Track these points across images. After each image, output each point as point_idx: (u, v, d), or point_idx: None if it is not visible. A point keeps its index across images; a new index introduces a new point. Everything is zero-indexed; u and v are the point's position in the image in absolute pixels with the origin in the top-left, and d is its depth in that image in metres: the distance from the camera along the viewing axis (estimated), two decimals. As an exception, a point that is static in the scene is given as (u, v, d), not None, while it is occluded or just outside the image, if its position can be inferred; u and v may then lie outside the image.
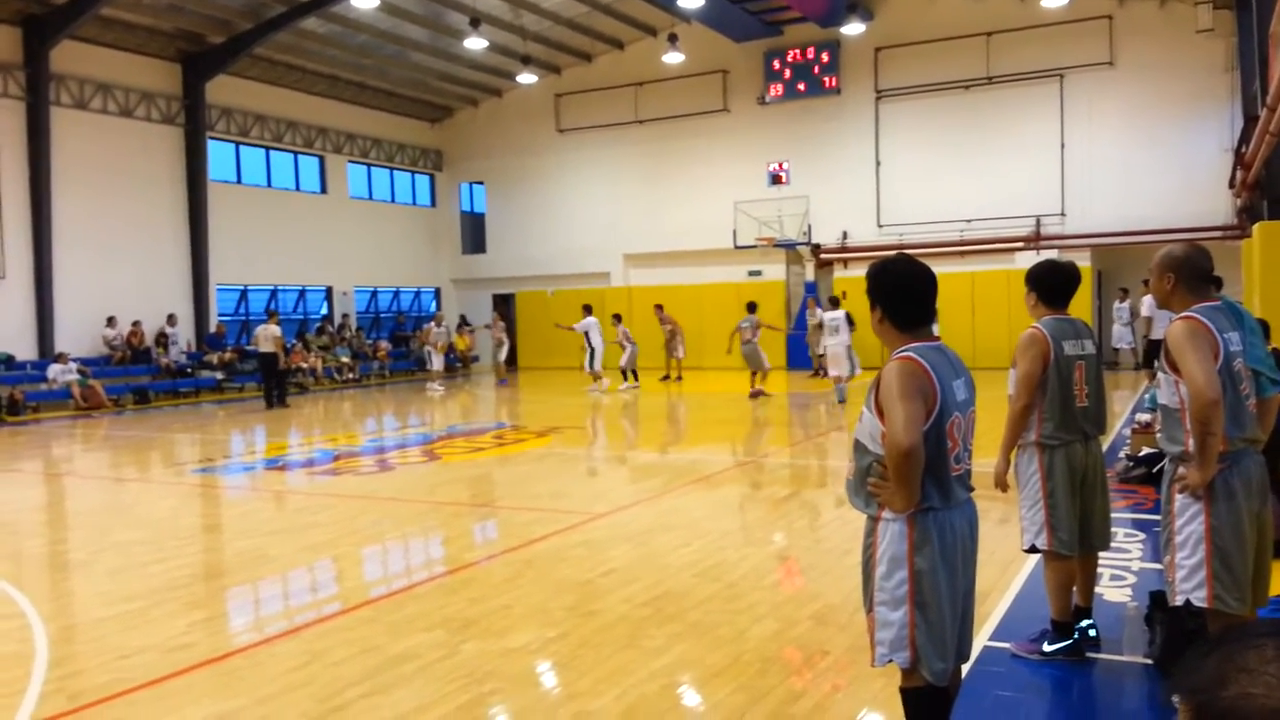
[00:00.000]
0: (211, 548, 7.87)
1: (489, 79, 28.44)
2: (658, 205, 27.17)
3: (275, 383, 19.14)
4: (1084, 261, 21.66)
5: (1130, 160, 22.29)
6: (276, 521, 8.87)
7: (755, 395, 18.11)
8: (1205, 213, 21.24)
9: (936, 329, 3.51)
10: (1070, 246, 22.64)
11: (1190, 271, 3.98)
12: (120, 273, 21.83)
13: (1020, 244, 23.14)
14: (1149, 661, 4.62)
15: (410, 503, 9.42)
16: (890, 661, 3.22)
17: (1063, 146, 23.04)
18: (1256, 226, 11.77)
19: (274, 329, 19.03)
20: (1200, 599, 3.78)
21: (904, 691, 3.31)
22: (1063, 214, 23.08)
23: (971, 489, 3.37)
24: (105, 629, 5.63)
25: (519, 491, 9.92)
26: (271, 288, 26.26)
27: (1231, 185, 17.32)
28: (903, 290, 3.32)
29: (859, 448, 3.30)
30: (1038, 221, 23.23)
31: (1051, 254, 22.55)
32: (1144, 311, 17.50)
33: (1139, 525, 7.18)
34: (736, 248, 25.23)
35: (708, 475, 10.49)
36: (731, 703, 4.35)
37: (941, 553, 3.19)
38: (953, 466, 3.21)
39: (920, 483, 3.11)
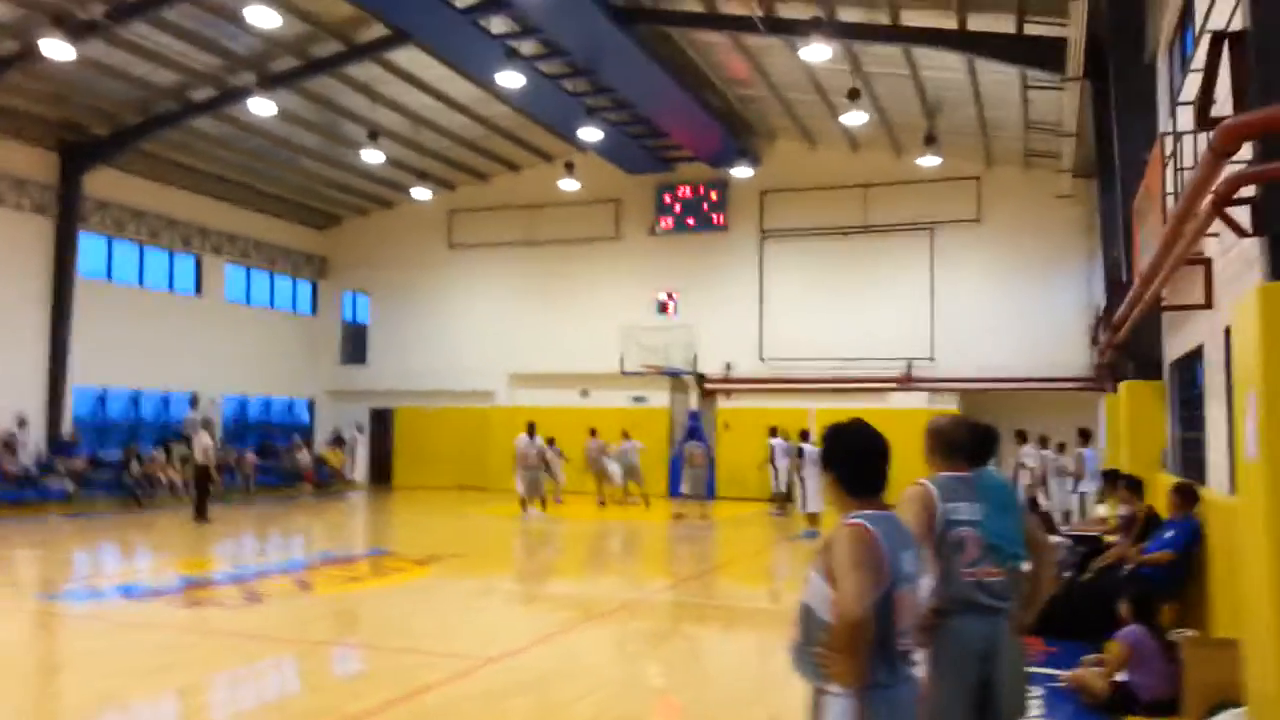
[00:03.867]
0: (64, 690, 7.13)
1: (381, 190, 28.36)
2: (546, 326, 27.24)
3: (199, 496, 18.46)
4: (951, 404, 22.63)
5: (995, 311, 23.60)
6: (135, 660, 8.12)
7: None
8: (1065, 364, 22.55)
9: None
10: (939, 389, 23.65)
11: (945, 443, 4.32)
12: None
13: (893, 384, 24.03)
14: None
15: (283, 641, 8.82)
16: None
17: (933, 294, 24.25)
18: (1124, 385, 12.51)
19: (205, 438, 18.36)
20: None
21: None
22: (932, 358, 24.12)
23: (915, 664, 3.32)
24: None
25: (402, 630, 9.42)
26: (134, 391, 24.94)
27: (1095, 342, 18.45)
28: (857, 456, 3.33)
29: (806, 613, 3.22)
30: (909, 364, 24.20)
31: (922, 396, 23.54)
32: (1029, 463, 18.24)
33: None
34: (623, 373, 25.40)
35: (605, 612, 10.21)
36: None
37: (890, 731, 3.11)
38: (899, 641, 3.16)
39: (865, 657, 3.05)
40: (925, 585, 4.03)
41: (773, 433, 19.54)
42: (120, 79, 19.89)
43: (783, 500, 20.68)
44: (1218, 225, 6.11)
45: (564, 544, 17.15)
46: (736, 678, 7.76)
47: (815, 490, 16.07)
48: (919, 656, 3.87)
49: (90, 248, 23.65)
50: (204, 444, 18.46)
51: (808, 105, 22.42)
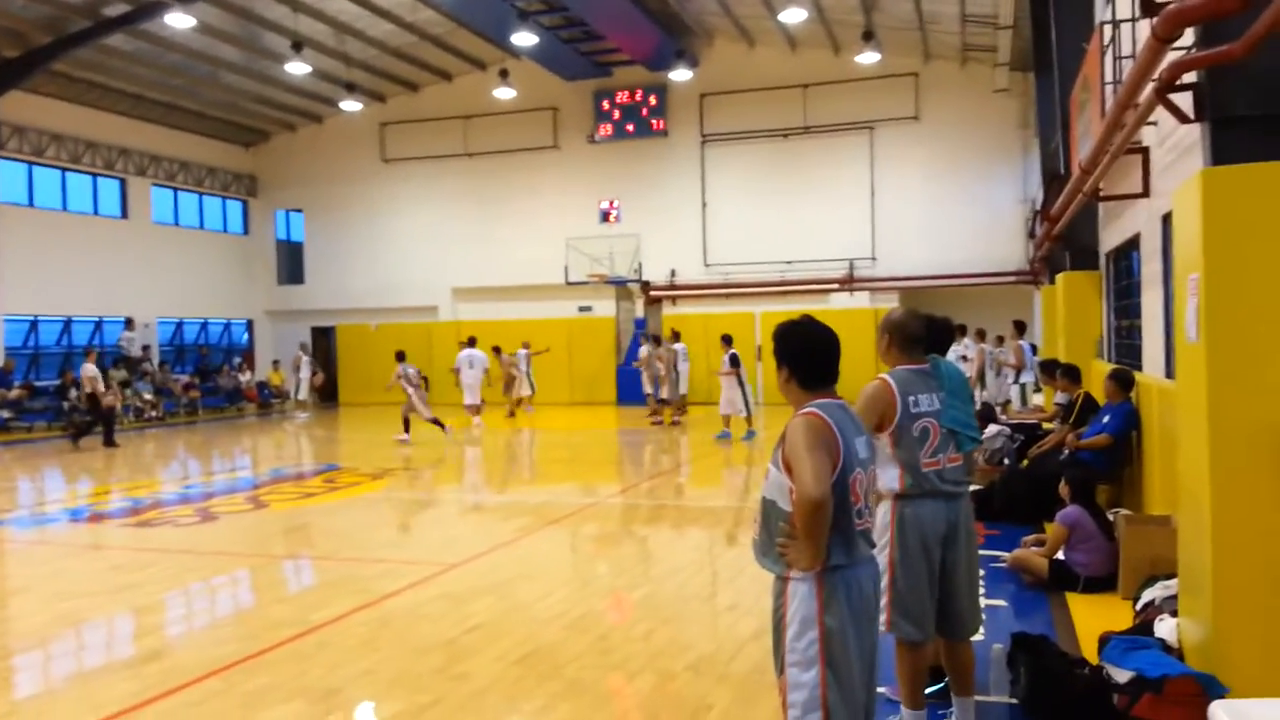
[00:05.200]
0: (23, 613, 7.09)
1: (309, 104, 27.47)
2: (488, 239, 26.91)
3: (103, 423, 18.09)
4: (893, 303, 22.96)
5: (934, 208, 23.82)
6: (91, 581, 8.09)
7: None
8: (1002, 259, 22.94)
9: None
10: (880, 289, 23.95)
11: (903, 335, 4.36)
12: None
13: (835, 285, 24.29)
14: (1014, 701, 4.84)
15: (242, 556, 8.83)
16: (804, 723, 3.22)
17: (873, 194, 24.38)
18: (1061, 276, 12.79)
19: (90, 367, 17.89)
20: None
21: None
22: (874, 258, 24.36)
23: (873, 544, 3.44)
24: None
25: (361, 541, 9.47)
26: (65, 319, 24.27)
27: (1032, 235, 18.75)
28: (808, 351, 3.39)
29: (768, 506, 3.31)
30: (851, 265, 24.42)
31: (864, 295, 23.84)
32: (968, 355, 18.58)
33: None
34: (568, 284, 25.28)
35: (561, 517, 10.36)
36: (627, 767, 4.26)
37: (849, 611, 3.23)
38: (856, 521, 3.27)
39: (826, 539, 3.15)
40: (887, 474, 4.17)
41: (727, 342, 19.18)
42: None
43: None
44: (1156, 114, 6.21)
45: (517, 454, 17.27)
46: (693, 573, 7.97)
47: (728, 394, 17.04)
48: (878, 539, 4.01)
49: (9, 173, 22.70)
50: (89, 373, 18.01)
51: (745, 3, 22.05)
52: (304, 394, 24.76)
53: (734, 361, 16.97)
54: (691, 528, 10.18)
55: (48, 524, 10.84)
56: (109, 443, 17.86)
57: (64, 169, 24.07)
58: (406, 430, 17.69)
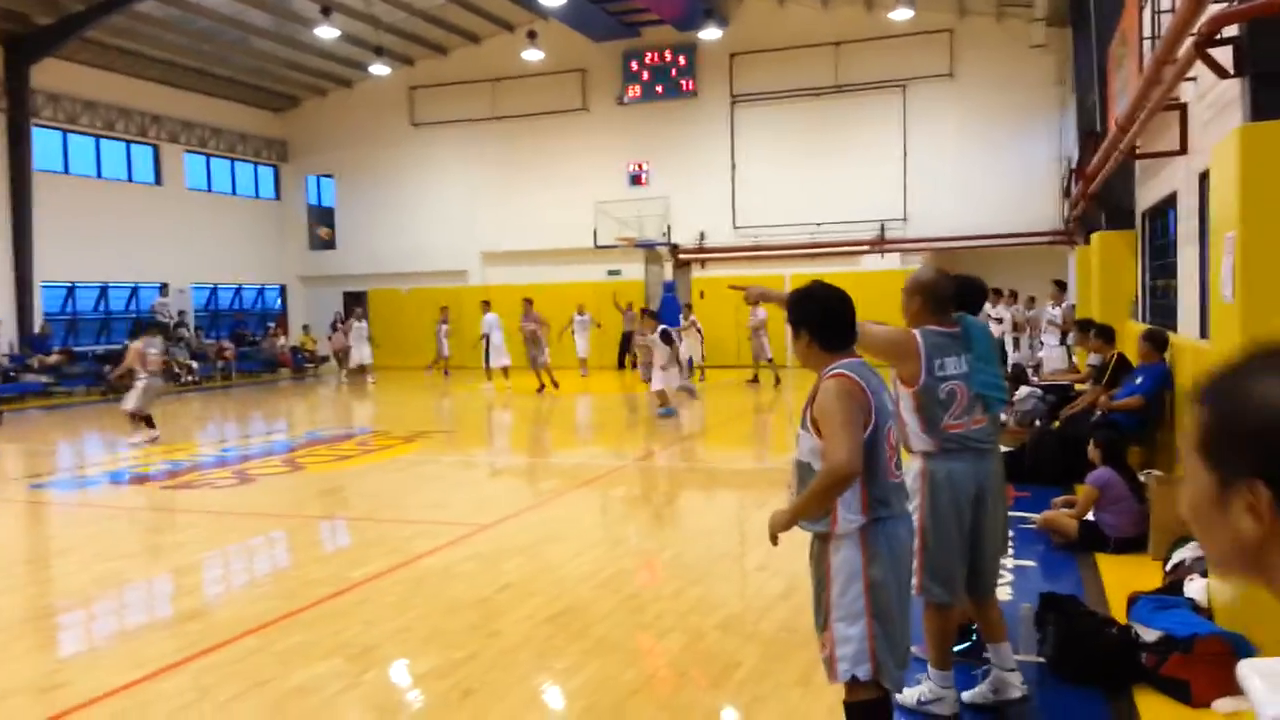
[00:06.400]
0: (66, 573, 7.28)
1: (338, 69, 27.47)
2: (517, 203, 26.89)
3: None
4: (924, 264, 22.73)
5: (967, 168, 23.47)
6: (132, 542, 8.30)
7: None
8: (1037, 219, 22.61)
9: None
10: (911, 250, 23.71)
11: (935, 296, 4.25)
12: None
13: (865, 247, 24.08)
14: (1042, 660, 4.86)
15: (279, 517, 9.00)
16: (852, 676, 3.27)
17: (905, 154, 24.06)
18: (1096, 236, 12.61)
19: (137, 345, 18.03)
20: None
21: (851, 706, 3.36)
22: (905, 219, 24.10)
23: (908, 497, 3.48)
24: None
25: (395, 503, 9.62)
26: (101, 285, 24.61)
27: (1067, 194, 18.46)
28: (826, 314, 3.42)
29: (802, 469, 3.34)
30: (881, 226, 24.19)
31: (894, 257, 23.62)
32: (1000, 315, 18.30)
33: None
34: (597, 247, 25.25)
35: (590, 479, 10.45)
36: (657, 723, 4.34)
37: (892, 563, 3.29)
38: (891, 472, 3.32)
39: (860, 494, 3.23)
40: (913, 433, 4.17)
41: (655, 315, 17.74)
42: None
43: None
44: (1195, 69, 6.09)
45: (547, 417, 17.38)
46: (724, 534, 8.04)
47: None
48: (912, 494, 4.02)
49: (44, 141, 22.94)
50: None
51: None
52: (366, 358, 23.76)
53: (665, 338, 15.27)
54: (721, 490, 10.24)
55: (88, 486, 11.08)
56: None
57: (98, 136, 24.30)
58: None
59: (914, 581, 3.87)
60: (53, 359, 21.21)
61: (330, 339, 26.52)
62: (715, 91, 25.37)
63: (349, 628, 5.64)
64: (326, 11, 21.86)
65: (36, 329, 21.89)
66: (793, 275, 23.63)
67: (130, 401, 13.37)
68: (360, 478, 11.02)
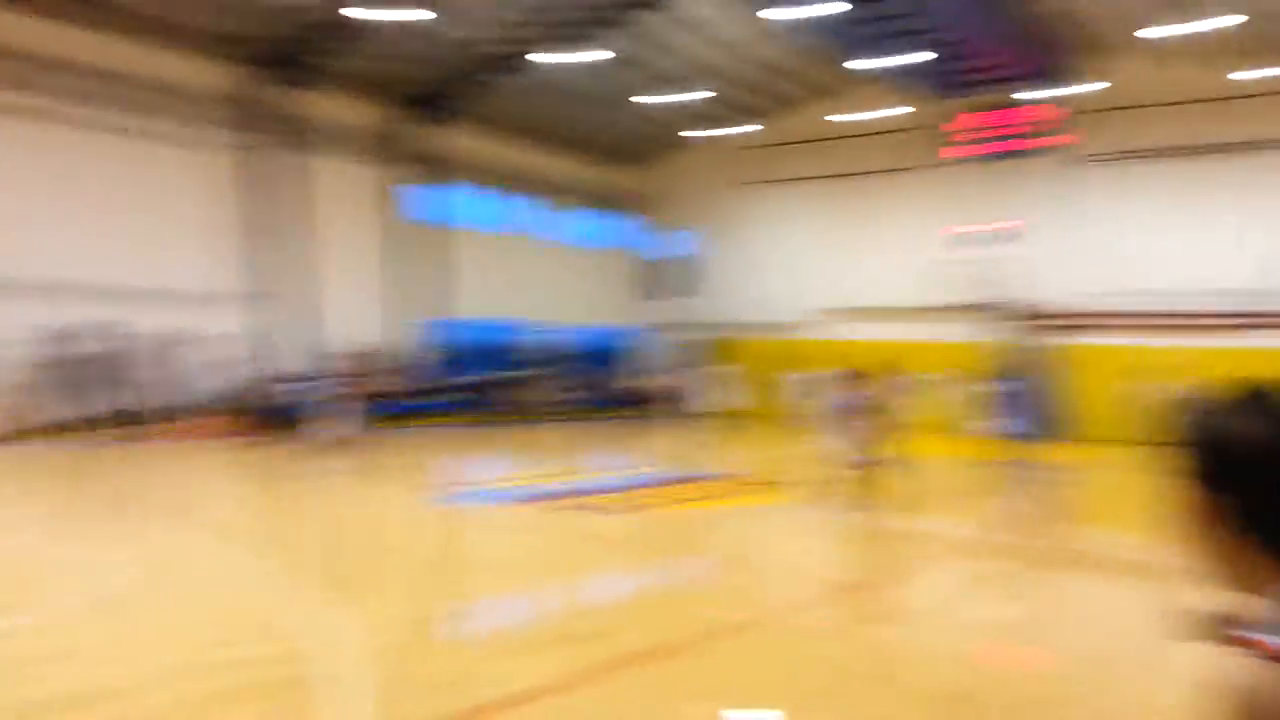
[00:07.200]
0: (471, 579, 8.36)
1: (690, 125, 29.05)
2: (857, 258, 27.47)
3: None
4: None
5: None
6: (531, 557, 9.26)
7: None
8: None
9: None
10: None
11: None
12: (342, 303, 23.82)
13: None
14: None
15: (660, 549, 9.83)
16: None
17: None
18: None
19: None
20: None
21: None
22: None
23: None
24: (401, 656, 6.15)
25: (755, 550, 10.12)
26: (482, 323, 27.79)
27: None
28: None
29: None
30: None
31: None
32: None
33: None
34: (946, 308, 24.77)
35: (963, 548, 10.27)
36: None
37: None
38: None
39: None
40: None
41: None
42: (441, 43, 22.02)
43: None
44: None
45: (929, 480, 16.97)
46: (1122, 636, 7.57)
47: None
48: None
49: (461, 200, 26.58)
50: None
51: (1151, 15, 20.31)
52: (714, 404, 24.66)
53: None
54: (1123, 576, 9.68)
55: (490, 501, 12.60)
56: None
57: (485, 193, 27.89)
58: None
59: None
60: (452, 385, 24.30)
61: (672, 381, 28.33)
62: (1085, 147, 24.22)
63: (722, 671, 5.96)
64: (679, 78, 23.51)
65: (438, 358, 25.29)
66: (1207, 349, 21.04)
67: None
68: (733, 519, 11.64)
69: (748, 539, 10.74)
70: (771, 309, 28.59)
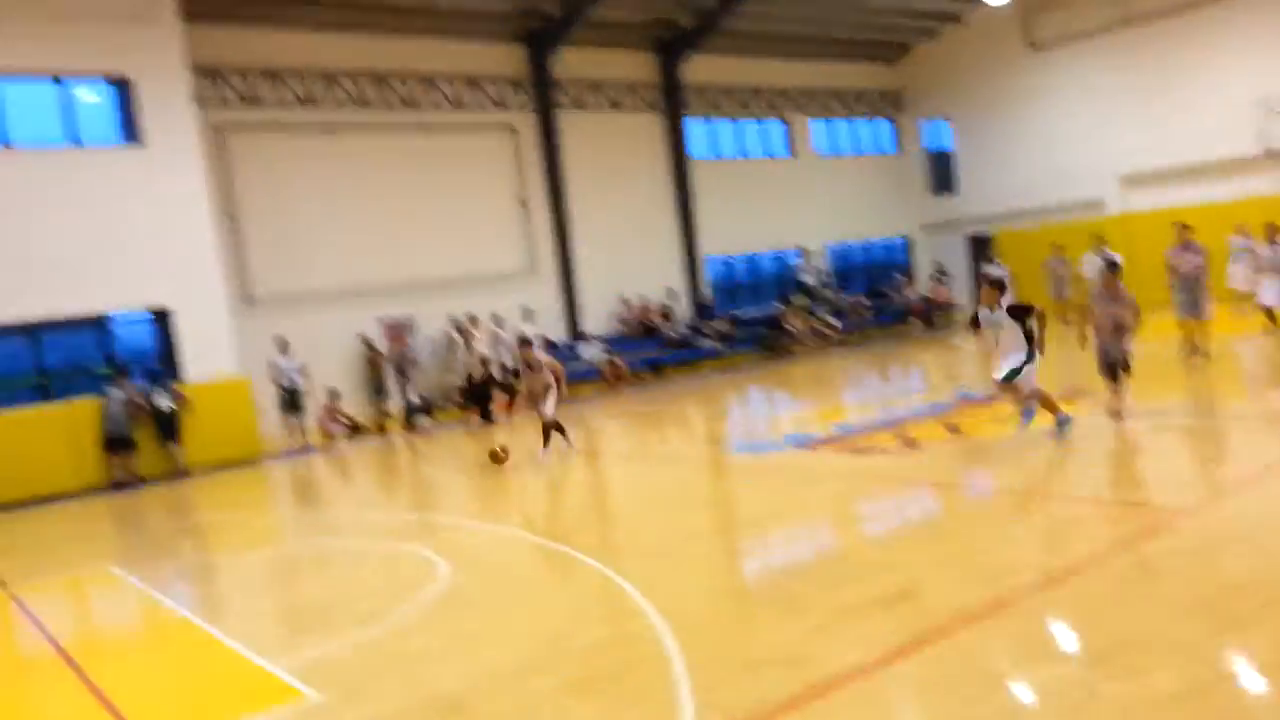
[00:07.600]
0: (787, 540, 8.11)
1: (946, 5, 26.97)
2: (1157, 115, 24.04)
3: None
4: None
5: None
6: (819, 509, 8.85)
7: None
8: None
9: None
10: None
11: None
12: (624, 255, 23.96)
13: None
14: None
15: (951, 487, 9.13)
16: None
17: None
18: None
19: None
20: None
21: None
22: None
23: None
24: (722, 632, 5.91)
25: (1072, 476, 9.15)
26: (749, 255, 27.25)
27: None
28: None
29: None
30: None
31: None
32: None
33: None
34: (1268, 154, 21.55)
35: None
36: None
37: None
38: None
39: None
40: None
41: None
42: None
43: None
44: None
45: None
46: None
47: None
48: None
49: (694, 130, 25.95)
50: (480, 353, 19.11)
51: None
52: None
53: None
54: None
55: (766, 450, 12.23)
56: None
57: (736, 119, 26.90)
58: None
59: None
60: (721, 326, 24.06)
61: (933, 292, 26.68)
62: None
63: (1061, 624, 5.42)
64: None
65: (705, 298, 25.05)
66: None
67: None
68: (1018, 445, 10.35)
69: (1053, 463, 9.63)
70: (1059, 190, 26.05)
